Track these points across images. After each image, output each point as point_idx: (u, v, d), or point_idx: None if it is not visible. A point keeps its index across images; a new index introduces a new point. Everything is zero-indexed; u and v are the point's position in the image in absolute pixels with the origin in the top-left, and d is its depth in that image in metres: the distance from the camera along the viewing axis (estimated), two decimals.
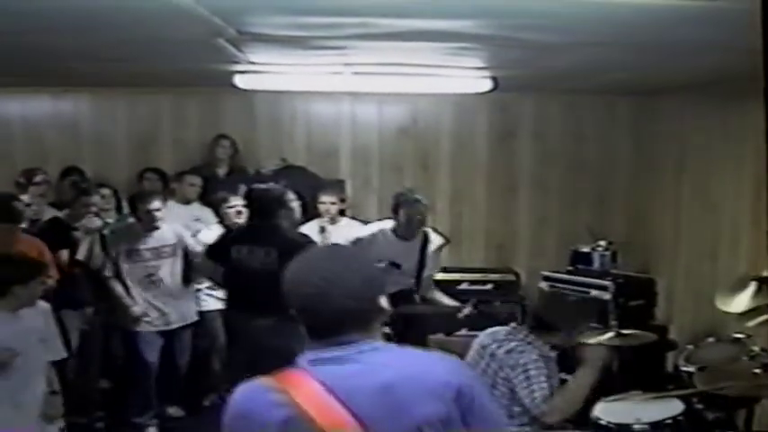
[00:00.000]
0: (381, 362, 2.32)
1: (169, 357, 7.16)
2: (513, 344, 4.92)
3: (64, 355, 5.49)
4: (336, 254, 2.53)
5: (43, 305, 5.35)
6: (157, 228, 7.11)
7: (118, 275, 6.98)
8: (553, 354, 4.98)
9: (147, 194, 7.24)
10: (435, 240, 7.29)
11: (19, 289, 4.98)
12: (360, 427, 2.21)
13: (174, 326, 7.20)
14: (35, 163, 8.06)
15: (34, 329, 5.13)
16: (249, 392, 2.38)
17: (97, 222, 7.17)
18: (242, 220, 7.63)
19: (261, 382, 2.37)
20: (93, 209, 7.21)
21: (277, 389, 2.30)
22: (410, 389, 2.27)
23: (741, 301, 5.27)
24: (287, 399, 2.26)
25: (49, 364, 5.27)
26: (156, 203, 7.07)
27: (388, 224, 7.13)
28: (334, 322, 2.33)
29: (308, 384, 2.27)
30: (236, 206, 7.59)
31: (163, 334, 7.11)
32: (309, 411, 2.22)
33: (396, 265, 7.02)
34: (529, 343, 4.92)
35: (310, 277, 2.35)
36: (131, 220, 7.75)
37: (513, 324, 5.17)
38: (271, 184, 6.91)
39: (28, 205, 7.03)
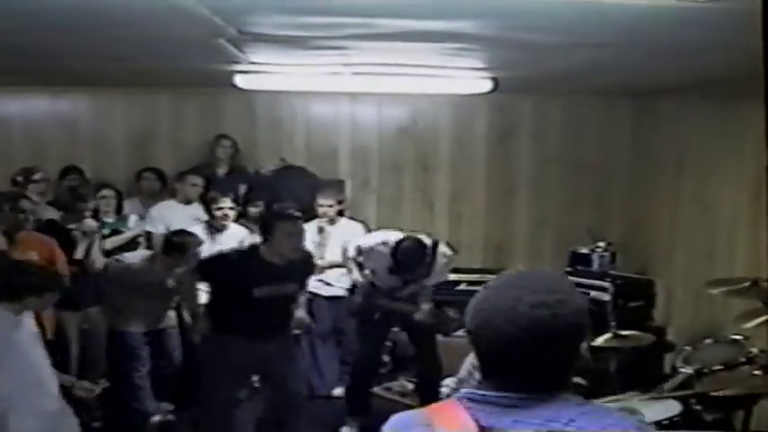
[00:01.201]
0: (556, 415, 1.93)
1: (160, 354, 7.14)
2: None
3: None
4: (546, 281, 2.02)
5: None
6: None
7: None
8: None
9: (196, 239, 6.97)
10: (441, 255, 7.15)
11: (30, 299, 4.94)
12: None
13: (162, 326, 7.19)
14: (34, 162, 8.04)
15: (33, 331, 5.11)
16: (399, 422, 2.08)
17: (93, 225, 7.13)
18: (228, 222, 7.66)
19: (414, 412, 2.08)
20: (89, 213, 7.18)
21: (426, 421, 1.97)
22: None
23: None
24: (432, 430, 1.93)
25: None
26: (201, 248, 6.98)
27: (395, 237, 7.05)
28: (534, 370, 1.95)
29: (462, 420, 1.92)
30: (224, 208, 7.62)
31: (152, 333, 7.08)
32: None
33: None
34: None
35: (515, 309, 1.93)
36: (132, 222, 7.78)
37: None
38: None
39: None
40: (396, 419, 2.08)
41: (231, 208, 7.76)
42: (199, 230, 7.63)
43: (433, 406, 2.03)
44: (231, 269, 5.99)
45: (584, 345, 2.00)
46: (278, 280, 5.94)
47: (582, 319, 1.98)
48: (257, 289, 5.85)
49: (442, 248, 7.15)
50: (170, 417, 7.13)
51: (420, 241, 6.88)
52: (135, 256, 7.16)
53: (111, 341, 7.15)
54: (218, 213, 7.64)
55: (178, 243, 6.87)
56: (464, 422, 1.90)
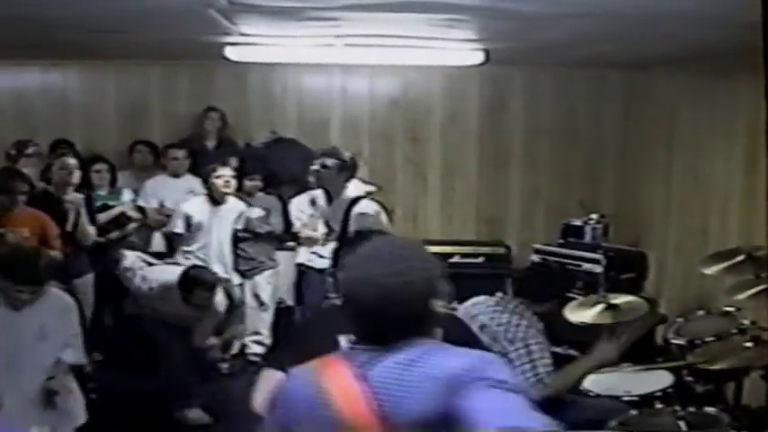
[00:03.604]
0: (408, 357, 2.26)
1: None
2: (505, 316, 4.88)
3: (80, 360, 5.40)
4: (398, 253, 2.37)
5: (63, 302, 5.32)
6: None
7: None
8: (541, 325, 4.96)
9: (213, 279, 6.98)
10: (356, 210, 6.84)
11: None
12: (377, 410, 2.21)
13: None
14: (25, 136, 8.01)
15: (33, 326, 5.08)
16: (296, 373, 2.46)
17: (77, 197, 7.05)
18: (229, 190, 7.63)
19: (305, 366, 2.43)
20: (73, 187, 7.10)
21: (314, 371, 2.36)
22: (425, 381, 2.20)
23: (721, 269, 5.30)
24: (318, 379, 2.31)
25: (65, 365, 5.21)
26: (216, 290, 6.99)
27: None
28: (392, 327, 2.29)
29: (339, 368, 2.31)
30: (224, 176, 7.58)
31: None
32: (332, 391, 2.26)
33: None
34: (521, 315, 4.89)
35: (370, 281, 2.29)
36: (126, 196, 7.79)
37: (499, 294, 5.12)
38: None
39: (31, 185, 6.93)
40: (294, 375, 2.47)
41: (232, 176, 7.71)
42: (199, 202, 7.61)
43: (321, 362, 2.40)
44: None
45: (436, 304, 2.32)
46: None
47: (429, 282, 2.32)
48: None
49: (362, 205, 6.84)
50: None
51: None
52: (158, 279, 7.08)
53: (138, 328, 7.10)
54: (218, 182, 7.58)
55: (189, 279, 6.81)
56: (344, 373, 2.28)
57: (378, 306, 2.26)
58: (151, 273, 7.12)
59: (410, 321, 2.29)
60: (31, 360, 5.02)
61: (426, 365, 2.22)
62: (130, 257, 7.27)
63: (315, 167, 7.04)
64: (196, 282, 6.78)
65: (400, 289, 2.25)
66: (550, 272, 5.62)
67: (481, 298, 5.07)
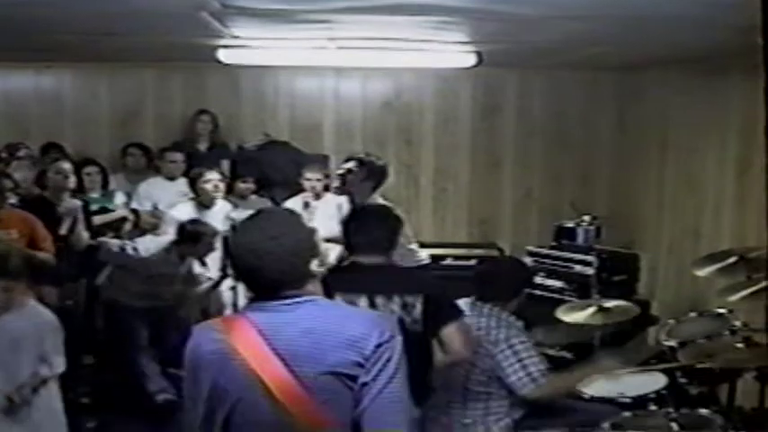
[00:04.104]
0: (306, 314, 2.63)
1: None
2: (483, 320, 4.86)
3: (58, 370, 5.26)
4: (274, 221, 2.79)
5: (42, 318, 5.10)
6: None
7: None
8: (521, 323, 4.94)
9: (211, 230, 7.00)
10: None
11: None
12: (281, 363, 2.55)
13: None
14: (17, 139, 8.00)
15: (9, 337, 4.97)
16: (200, 331, 2.77)
17: (76, 203, 7.04)
18: (219, 194, 7.59)
19: (210, 323, 2.85)
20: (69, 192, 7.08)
21: (219, 328, 2.70)
22: (325, 337, 2.57)
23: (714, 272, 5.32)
24: (224, 336, 2.64)
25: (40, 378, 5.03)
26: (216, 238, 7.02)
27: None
28: (270, 282, 2.65)
29: (243, 326, 2.64)
30: (212, 180, 7.54)
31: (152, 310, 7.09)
32: (238, 347, 2.59)
33: None
34: (498, 318, 4.87)
35: (250, 245, 2.65)
36: (119, 199, 7.79)
37: (470, 298, 5.02)
38: None
39: (16, 184, 6.91)
40: (197, 333, 2.76)
41: (221, 180, 7.68)
42: (187, 207, 7.59)
43: (224, 321, 2.87)
44: None
45: (312, 263, 2.69)
46: None
47: (300, 244, 2.68)
48: None
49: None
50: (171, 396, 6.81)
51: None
52: (150, 247, 7.09)
53: (108, 316, 7.09)
54: (208, 186, 7.53)
55: (192, 232, 6.90)
56: (245, 328, 2.63)
57: (255, 264, 2.63)
58: (143, 241, 7.22)
59: (285, 277, 2.64)
60: (4, 372, 4.92)
61: (328, 324, 2.62)
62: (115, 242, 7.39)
63: (340, 172, 7.00)
64: (198, 232, 6.90)
65: (273, 249, 2.61)
66: (504, 267, 5.53)
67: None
